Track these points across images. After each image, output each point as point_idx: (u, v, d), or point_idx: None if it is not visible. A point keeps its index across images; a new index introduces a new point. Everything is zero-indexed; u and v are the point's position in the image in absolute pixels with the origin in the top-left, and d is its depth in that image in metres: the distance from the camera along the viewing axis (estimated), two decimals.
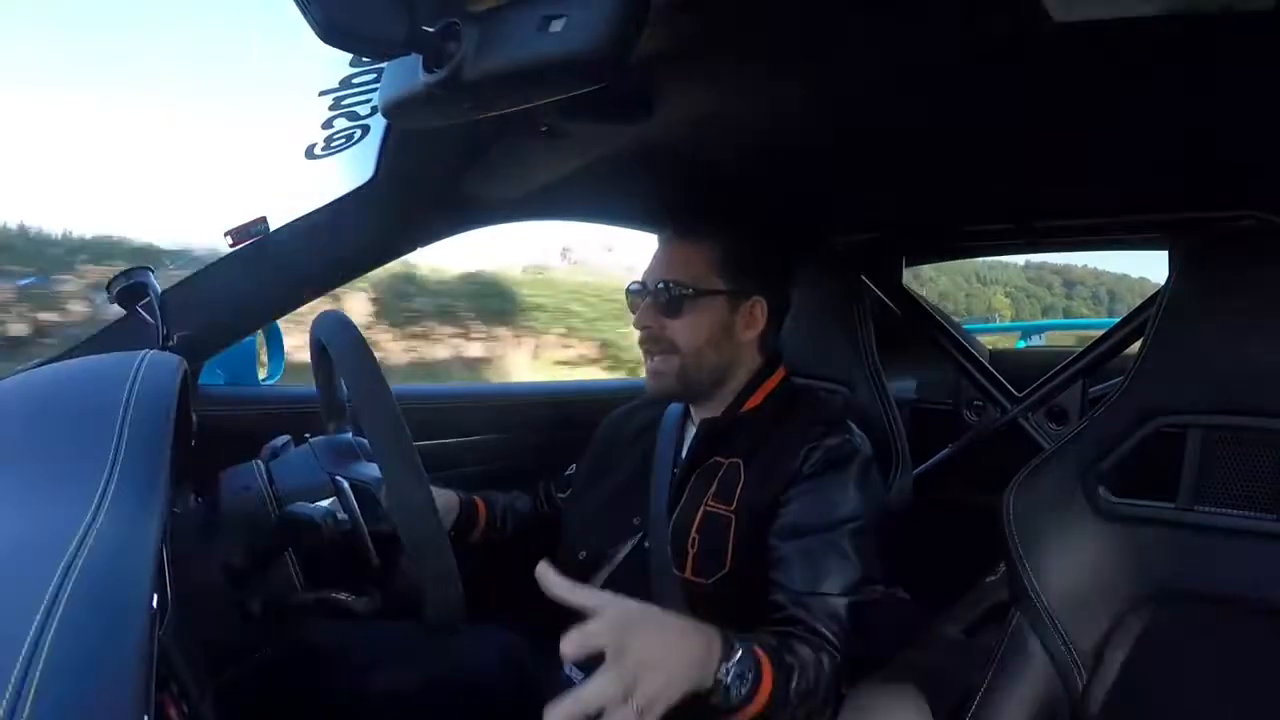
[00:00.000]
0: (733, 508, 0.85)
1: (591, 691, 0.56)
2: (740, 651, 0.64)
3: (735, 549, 0.83)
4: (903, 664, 0.93)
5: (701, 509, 0.86)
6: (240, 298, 0.92)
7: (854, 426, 0.89)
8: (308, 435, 0.82)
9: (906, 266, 1.35)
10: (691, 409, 0.97)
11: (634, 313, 0.93)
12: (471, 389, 1.39)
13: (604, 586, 0.90)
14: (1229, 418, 0.75)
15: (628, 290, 0.94)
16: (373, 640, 0.88)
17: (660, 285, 0.88)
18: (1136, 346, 0.84)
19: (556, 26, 0.44)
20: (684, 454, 0.94)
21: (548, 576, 0.63)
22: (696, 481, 0.89)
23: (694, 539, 0.85)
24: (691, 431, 0.96)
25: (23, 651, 0.27)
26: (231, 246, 0.91)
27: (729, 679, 0.63)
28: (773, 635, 0.73)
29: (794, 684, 0.68)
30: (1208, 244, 0.79)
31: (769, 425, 0.89)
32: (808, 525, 0.80)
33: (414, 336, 5.41)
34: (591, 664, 0.90)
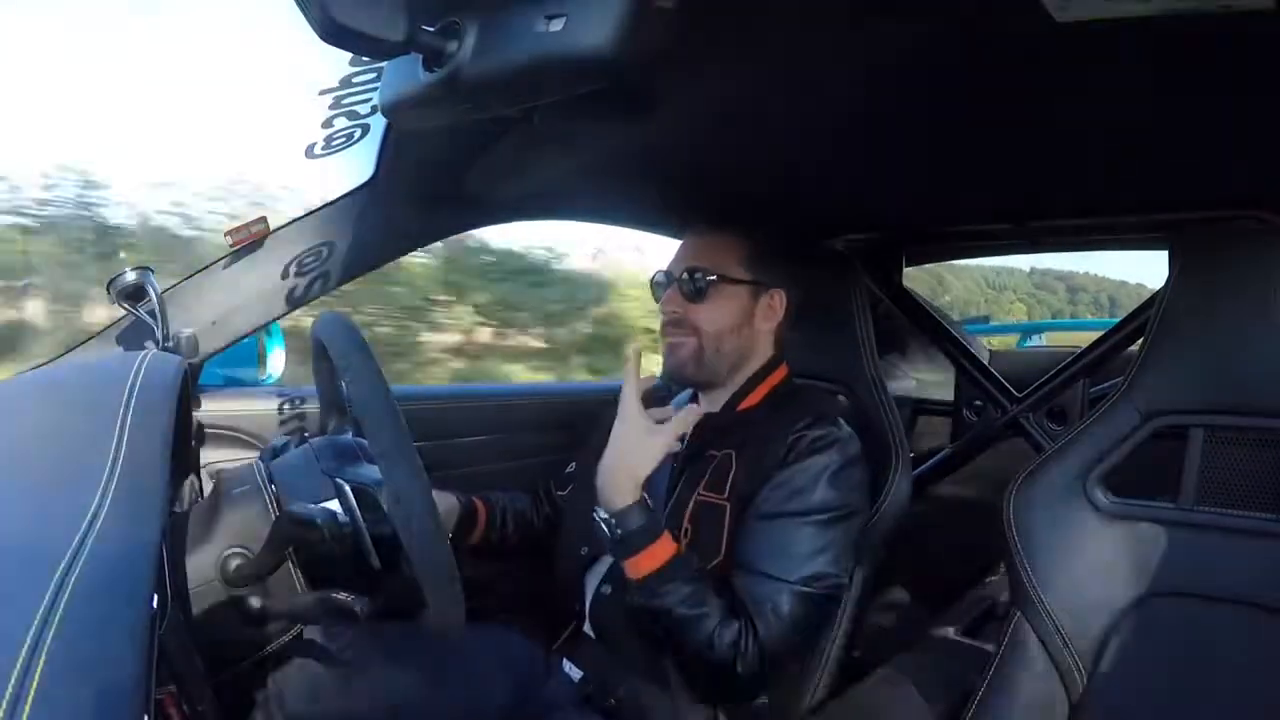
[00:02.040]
0: (726, 496, 0.86)
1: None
2: (639, 521, 0.79)
3: (730, 537, 0.84)
4: (903, 664, 0.93)
5: (694, 498, 0.88)
6: (240, 298, 0.92)
7: (843, 422, 0.90)
8: (307, 435, 0.82)
9: (906, 266, 1.35)
10: (701, 400, 0.98)
11: (658, 302, 0.95)
12: (471, 389, 1.39)
13: (604, 581, 0.91)
14: (1229, 418, 0.75)
15: (652, 281, 0.97)
16: (372, 640, 0.88)
17: (685, 273, 0.91)
18: (1136, 346, 0.84)
19: (556, 26, 0.44)
20: (683, 447, 0.95)
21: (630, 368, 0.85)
22: (690, 473, 0.91)
23: (686, 528, 0.86)
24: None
25: (23, 651, 0.27)
26: (231, 247, 0.91)
27: (615, 521, 0.79)
28: (709, 582, 0.80)
29: (665, 594, 0.77)
30: (1208, 244, 0.79)
31: (762, 418, 0.91)
32: (774, 509, 0.82)
33: None
34: (589, 661, 0.91)
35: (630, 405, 0.83)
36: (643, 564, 0.78)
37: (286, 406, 1.03)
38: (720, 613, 0.77)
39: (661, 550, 0.79)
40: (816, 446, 0.84)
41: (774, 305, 0.94)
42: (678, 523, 0.87)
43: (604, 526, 0.80)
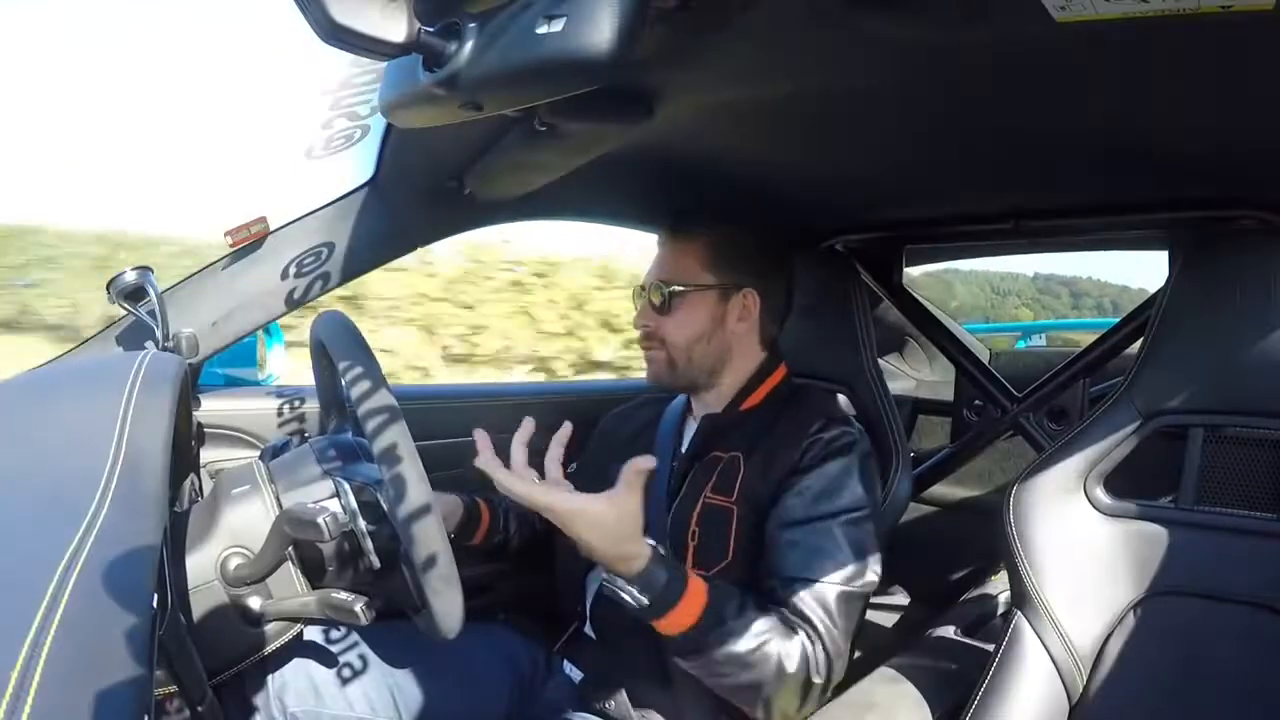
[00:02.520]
0: (733, 499, 0.85)
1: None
2: (657, 577, 0.70)
3: (737, 540, 0.84)
4: (903, 664, 0.93)
5: (701, 501, 0.87)
6: (240, 298, 0.92)
7: (853, 420, 0.90)
8: (307, 434, 0.82)
9: (906, 266, 1.35)
10: (693, 402, 0.98)
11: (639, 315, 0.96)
12: (471, 389, 1.39)
13: (606, 583, 0.91)
14: (1229, 418, 0.75)
15: (634, 296, 0.98)
16: (373, 640, 0.88)
17: (654, 286, 0.92)
18: (1136, 346, 0.84)
19: (556, 26, 0.44)
20: (684, 448, 0.95)
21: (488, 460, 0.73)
22: (695, 475, 0.90)
23: (694, 531, 0.86)
24: (692, 427, 0.97)
25: (23, 651, 0.27)
26: (232, 247, 0.91)
27: (638, 586, 0.70)
28: (752, 607, 0.74)
29: (716, 641, 0.71)
30: (1208, 244, 0.79)
31: (769, 420, 0.90)
32: (803, 515, 0.81)
33: None
34: (589, 662, 0.91)
35: (566, 501, 0.69)
36: (682, 618, 0.70)
37: (286, 406, 1.03)
38: (779, 631, 0.73)
39: (696, 593, 0.71)
40: (834, 448, 0.84)
41: (747, 304, 0.93)
42: (684, 526, 0.87)
43: (627, 597, 0.70)
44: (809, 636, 0.75)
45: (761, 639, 0.72)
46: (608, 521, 0.68)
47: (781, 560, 0.80)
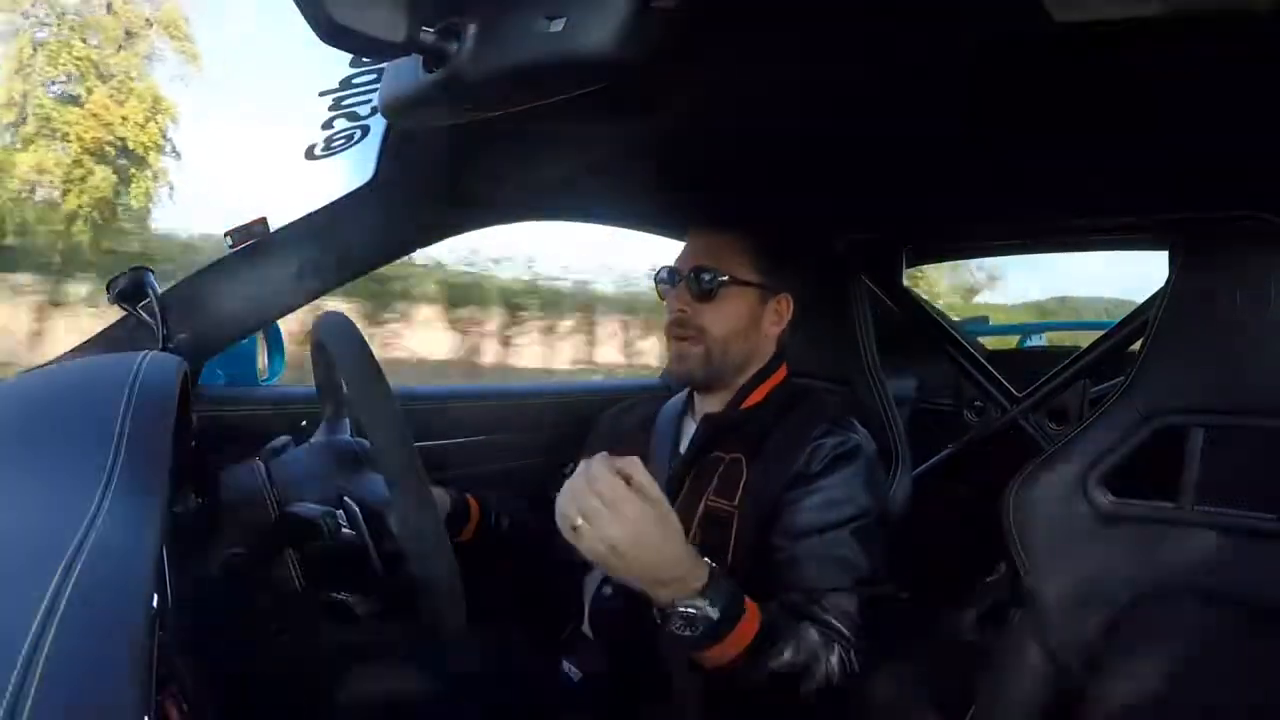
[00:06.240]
0: (735, 503, 0.85)
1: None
2: (717, 598, 0.65)
3: (738, 546, 0.83)
4: (903, 664, 0.93)
5: (702, 504, 0.87)
6: (240, 298, 0.92)
7: (856, 424, 0.90)
8: (307, 435, 0.82)
9: (906, 266, 1.35)
10: (696, 399, 0.97)
11: (663, 300, 0.94)
12: (472, 389, 1.39)
13: (604, 583, 0.90)
14: (1229, 417, 0.75)
15: (656, 278, 0.95)
16: (372, 640, 0.88)
17: (694, 271, 0.90)
18: (1137, 346, 0.84)
19: (557, 26, 0.44)
20: (683, 448, 0.94)
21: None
22: (696, 476, 0.90)
23: (695, 534, 0.85)
24: (691, 426, 0.96)
25: (23, 651, 0.27)
26: (231, 247, 0.91)
27: (709, 599, 0.65)
28: (788, 615, 0.73)
29: (775, 653, 0.69)
30: (1208, 244, 0.79)
31: (771, 422, 0.90)
32: (815, 525, 0.81)
33: None
34: (588, 661, 0.91)
35: (639, 496, 0.63)
36: (746, 632, 0.67)
37: (287, 407, 1.03)
38: (822, 639, 0.73)
39: (752, 608, 0.69)
40: (841, 454, 0.84)
41: (781, 310, 0.93)
42: (685, 530, 0.86)
43: (691, 617, 0.65)
44: (845, 647, 0.75)
45: (810, 652, 0.72)
46: (647, 529, 0.62)
47: (801, 573, 0.79)
